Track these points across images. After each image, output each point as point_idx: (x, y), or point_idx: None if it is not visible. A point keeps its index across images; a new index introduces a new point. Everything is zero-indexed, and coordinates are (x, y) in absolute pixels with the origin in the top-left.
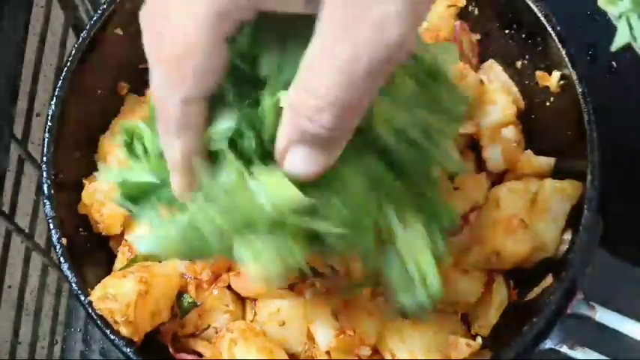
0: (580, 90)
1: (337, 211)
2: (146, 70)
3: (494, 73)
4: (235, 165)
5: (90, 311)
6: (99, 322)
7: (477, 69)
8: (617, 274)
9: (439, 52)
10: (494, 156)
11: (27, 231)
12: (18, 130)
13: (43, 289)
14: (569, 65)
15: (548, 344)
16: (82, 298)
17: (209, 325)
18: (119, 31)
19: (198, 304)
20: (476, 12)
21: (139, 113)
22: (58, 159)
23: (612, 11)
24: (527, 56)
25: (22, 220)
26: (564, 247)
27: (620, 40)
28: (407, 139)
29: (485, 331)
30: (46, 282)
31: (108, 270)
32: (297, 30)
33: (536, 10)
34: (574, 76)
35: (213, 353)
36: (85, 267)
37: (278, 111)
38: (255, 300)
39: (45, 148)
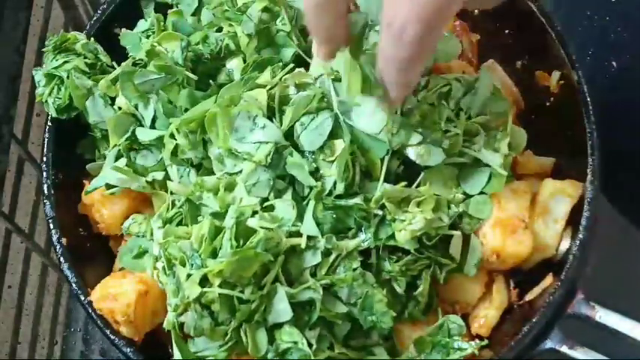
0: (580, 90)
1: None
2: None
3: (495, 73)
4: None
5: (90, 311)
6: (99, 322)
7: (476, 69)
8: (617, 274)
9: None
10: None
11: (27, 231)
12: (18, 130)
13: (43, 289)
14: (569, 65)
15: (548, 344)
16: (82, 298)
17: None
18: (119, 31)
19: None
20: (476, 12)
21: None
22: (58, 159)
23: None
24: (527, 56)
25: (22, 220)
26: (564, 247)
27: None
28: None
29: (485, 331)
30: (46, 282)
31: (108, 270)
32: None
33: (536, 10)
34: (574, 76)
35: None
36: (85, 267)
37: None
38: None
39: (45, 148)
